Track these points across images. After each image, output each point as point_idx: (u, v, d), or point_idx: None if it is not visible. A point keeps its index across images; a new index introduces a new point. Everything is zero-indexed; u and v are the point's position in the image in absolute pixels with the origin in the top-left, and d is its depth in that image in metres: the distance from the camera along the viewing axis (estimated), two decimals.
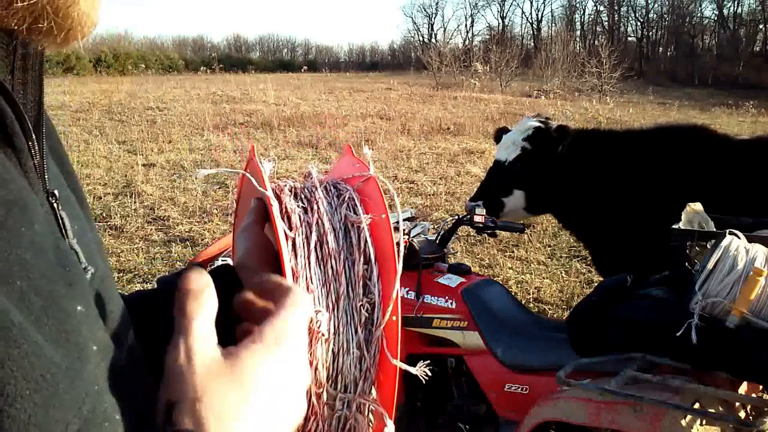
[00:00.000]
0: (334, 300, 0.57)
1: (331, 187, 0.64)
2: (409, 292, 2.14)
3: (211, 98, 17.02)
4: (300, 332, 0.45)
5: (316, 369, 0.55)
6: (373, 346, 0.59)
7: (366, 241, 0.60)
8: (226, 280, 0.62)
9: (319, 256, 0.58)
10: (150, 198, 6.61)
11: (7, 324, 0.30)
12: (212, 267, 0.65)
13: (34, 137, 0.38)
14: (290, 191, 0.61)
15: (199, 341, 0.40)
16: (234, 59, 48.82)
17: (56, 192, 0.40)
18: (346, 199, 0.62)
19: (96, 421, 0.34)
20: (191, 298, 0.41)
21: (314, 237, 0.58)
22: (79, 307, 0.35)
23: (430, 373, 0.63)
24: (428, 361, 0.64)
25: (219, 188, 7.05)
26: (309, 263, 0.57)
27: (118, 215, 5.93)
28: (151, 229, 5.62)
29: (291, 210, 0.59)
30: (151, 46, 53.78)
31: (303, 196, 0.61)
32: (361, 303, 0.58)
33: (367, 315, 0.59)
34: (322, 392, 0.56)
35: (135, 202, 6.39)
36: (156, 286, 0.64)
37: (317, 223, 0.59)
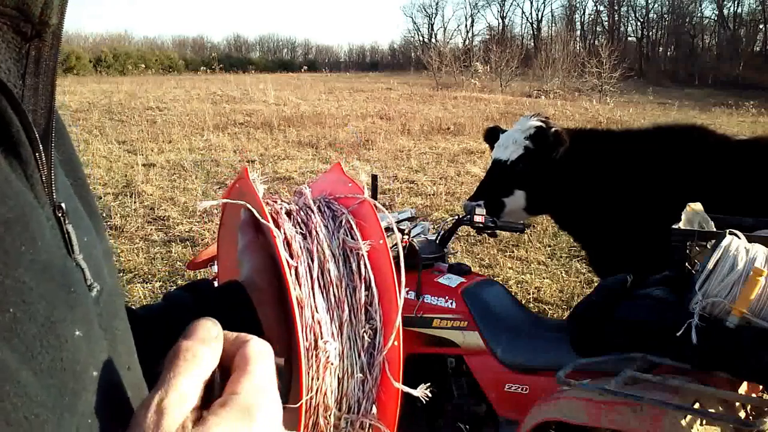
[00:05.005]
0: (338, 326, 0.58)
1: (325, 208, 0.64)
2: (409, 292, 2.14)
3: (211, 98, 17.02)
4: (270, 390, 0.39)
5: (324, 395, 0.57)
6: (376, 368, 0.60)
7: (366, 268, 0.60)
8: (239, 301, 0.61)
9: (322, 284, 0.58)
10: (150, 198, 6.62)
11: None
12: (219, 283, 0.65)
13: (41, 147, 0.36)
14: (287, 215, 0.62)
15: (175, 403, 0.35)
16: (234, 59, 48.83)
17: (63, 205, 0.37)
18: (342, 223, 0.62)
19: None
20: (187, 353, 0.37)
21: (315, 264, 0.59)
22: (77, 332, 0.34)
23: (430, 395, 0.65)
24: (429, 384, 0.66)
25: (219, 188, 7.06)
26: (313, 292, 0.57)
27: (118, 215, 5.93)
28: (151, 229, 5.62)
29: (291, 237, 0.59)
30: (151, 46, 53.88)
31: (299, 220, 0.62)
32: (364, 329, 0.59)
33: (369, 340, 0.59)
34: (330, 415, 0.58)
35: (135, 202, 6.39)
36: (163, 301, 0.63)
37: (317, 250, 0.59)
